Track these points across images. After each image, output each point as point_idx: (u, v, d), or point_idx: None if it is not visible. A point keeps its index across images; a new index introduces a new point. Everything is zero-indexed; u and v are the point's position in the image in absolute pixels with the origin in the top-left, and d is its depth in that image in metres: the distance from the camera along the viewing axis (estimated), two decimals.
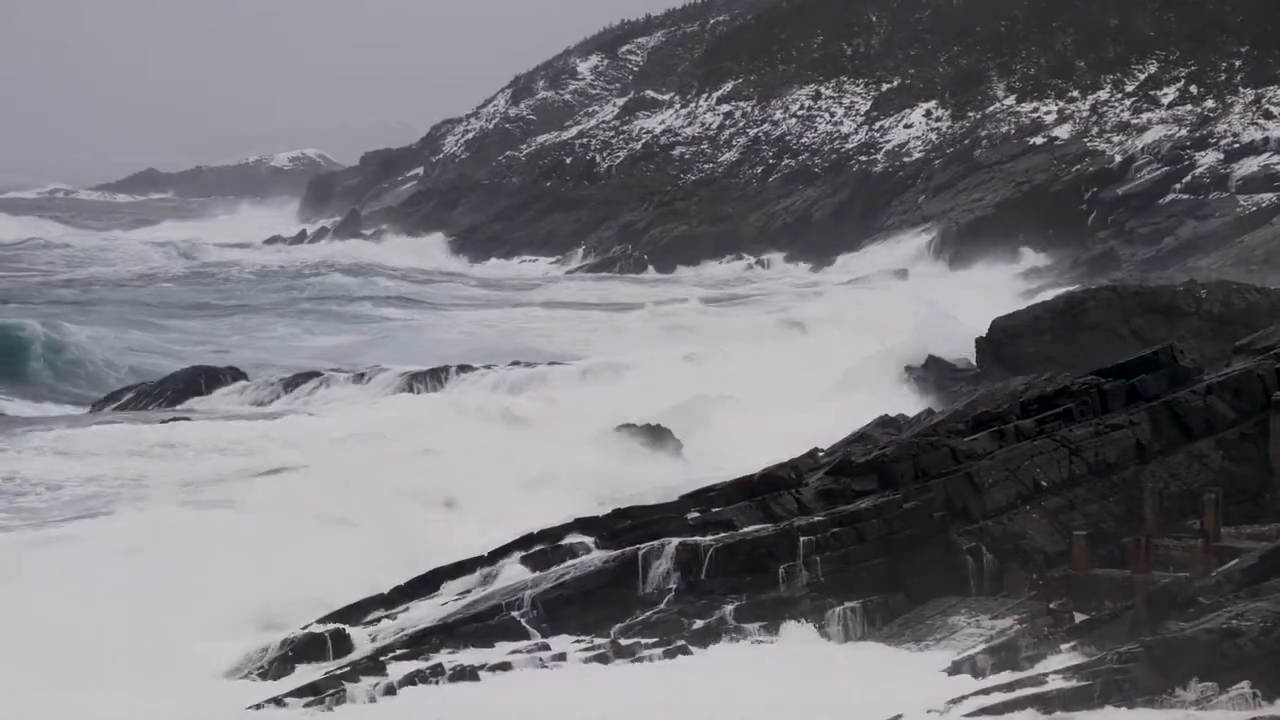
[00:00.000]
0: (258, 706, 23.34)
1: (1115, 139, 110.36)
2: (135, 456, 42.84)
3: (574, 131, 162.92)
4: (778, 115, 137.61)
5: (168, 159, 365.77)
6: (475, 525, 32.94)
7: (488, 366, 56.15)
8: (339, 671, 24.75)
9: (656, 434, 41.92)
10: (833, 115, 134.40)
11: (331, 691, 23.85)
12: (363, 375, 56.40)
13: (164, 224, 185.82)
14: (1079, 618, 26.04)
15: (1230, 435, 31.40)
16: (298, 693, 23.87)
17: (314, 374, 57.44)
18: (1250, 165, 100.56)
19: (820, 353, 52.43)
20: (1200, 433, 31.44)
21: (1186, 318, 49.98)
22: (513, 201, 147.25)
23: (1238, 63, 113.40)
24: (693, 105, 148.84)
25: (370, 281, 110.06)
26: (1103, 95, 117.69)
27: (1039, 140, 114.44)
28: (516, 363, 56.51)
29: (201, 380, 56.75)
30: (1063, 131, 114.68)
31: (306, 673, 25.09)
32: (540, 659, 25.28)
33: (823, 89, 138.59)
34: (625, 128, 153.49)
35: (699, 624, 26.67)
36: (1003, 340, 51.13)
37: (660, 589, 27.40)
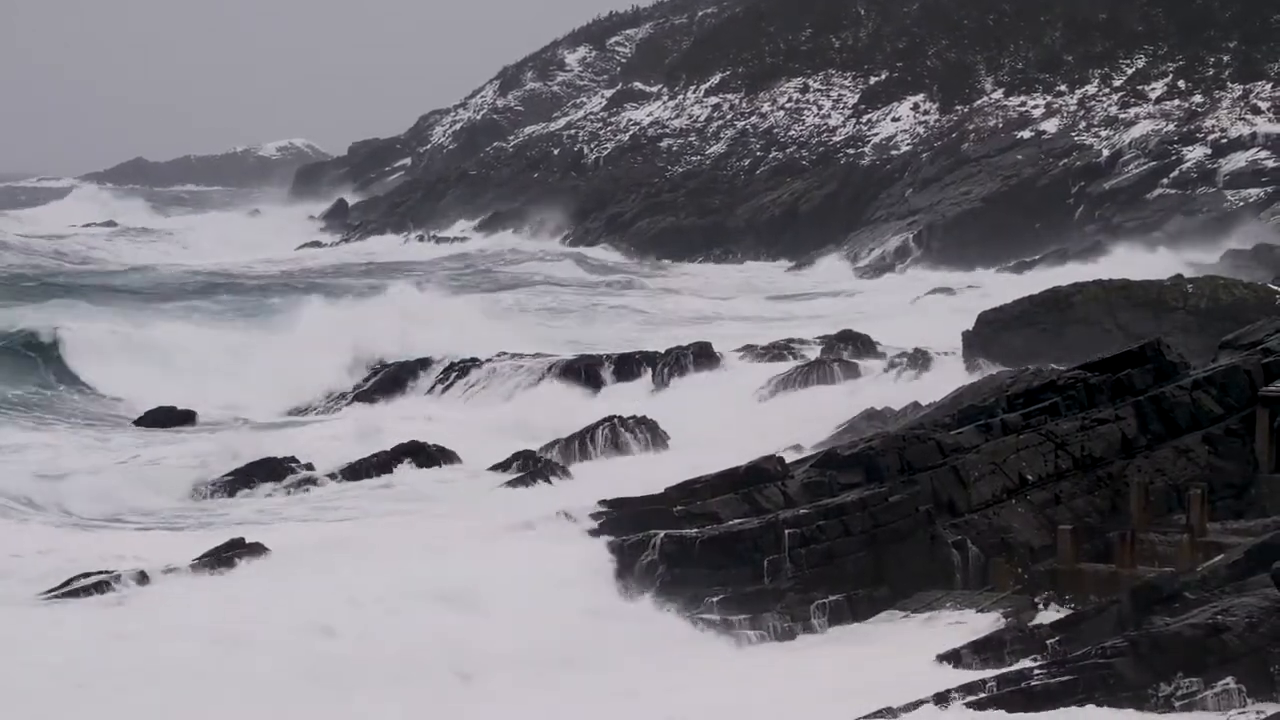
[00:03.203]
0: None
1: (1103, 133, 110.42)
2: None
3: (562, 123, 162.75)
4: (765, 108, 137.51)
5: (156, 151, 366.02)
6: None
7: (473, 360, 55.94)
8: None
9: None
10: (820, 108, 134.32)
11: None
12: None
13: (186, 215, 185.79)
14: (1064, 612, 26.05)
15: (1216, 430, 31.44)
16: None
17: None
18: (1238, 160, 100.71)
19: None
20: (1186, 427, 31.47)
21: (1173, 312, 50.18)
22: (500, 192, 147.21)
23: (1226, 58, 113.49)
24: (680, 97, 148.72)
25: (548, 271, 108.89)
26: (1090, 90, 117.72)
27: (1026, 134, 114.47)
28: (503, 354, 56.30)
29: None
30: (1050, 125, 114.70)
31: None
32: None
33: (810, 82, 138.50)
34: (613, 119, 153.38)
35: (684, 615, 26.62)
36: (989, 334, 51.28)
37: (646, 580, 27.35)
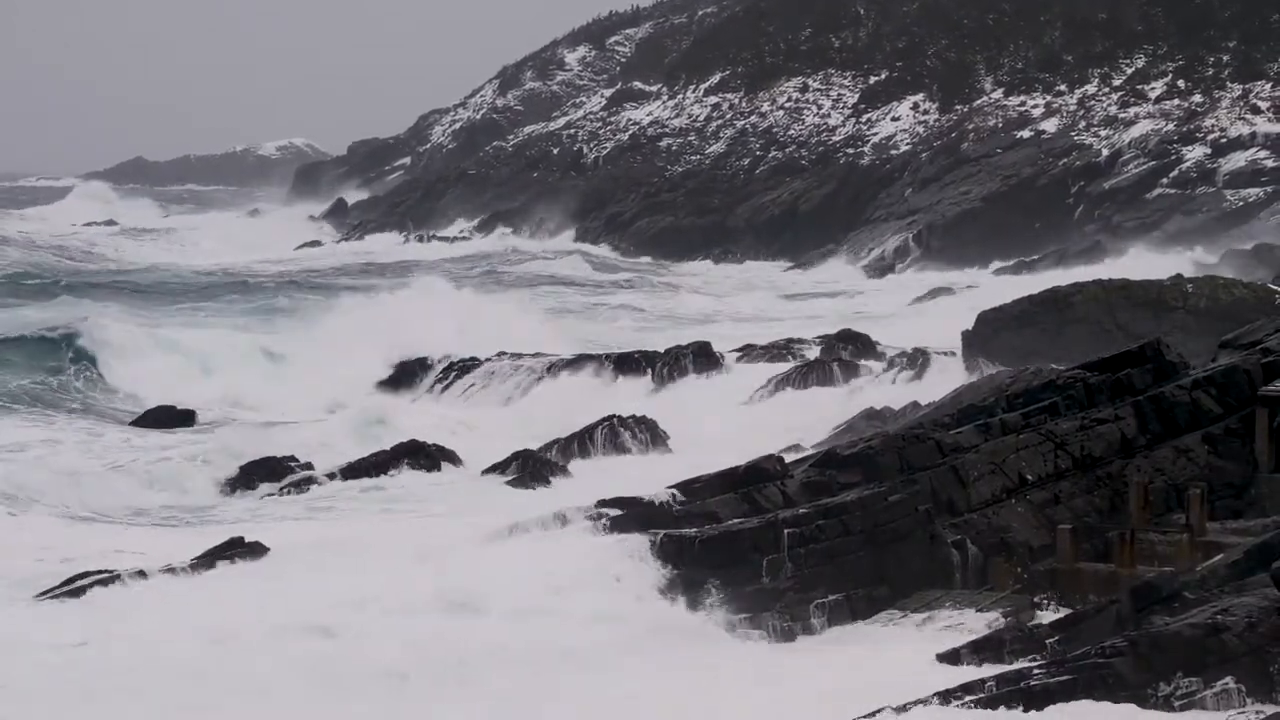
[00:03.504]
0: None
1: (1102, 133, 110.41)
2: None
3: (561, 122, 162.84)
4: (765, 107, 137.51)
5: (156, 150, 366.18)
6: None
7: (473, 360, 55.81)
8: None
9: None
10: (820, 108, 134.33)
11: None
12: None
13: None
14: (1063, 611, 26.03)
15: (1216, 430, 31.40)
16: None
17: None
18: (1237, 160, 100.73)
19: None
20: (1186, 427, 31.44)
21: (1173, 312, 50.18)
22: (500, 192, 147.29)
23: (1225, 58, 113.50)
24: (680, 97, 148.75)
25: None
26: (1090, 89, 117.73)
27: (1026, 134, 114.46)
28: (502, 354, 56.20)
29: None
30: (1050, 125, 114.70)
31: None
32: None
33: (810, 81, 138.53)
34: (612, 119, 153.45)
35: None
36: (989, 333, 51.28)
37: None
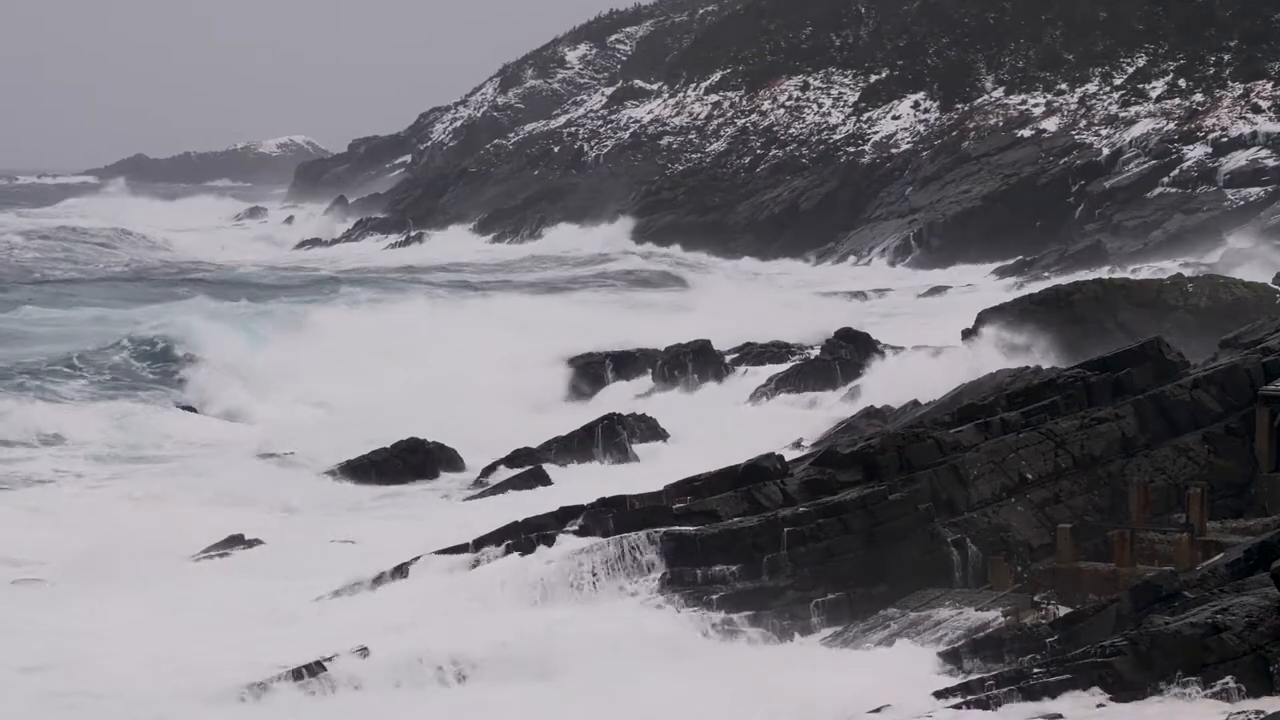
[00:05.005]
0: None
1: (1103, 132, 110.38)
2: None
3: (562, 120, 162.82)
4: (766, 106, 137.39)
5: (157, 148, 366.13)
6: None
7: None
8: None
9: None
10: (820, 106, 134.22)
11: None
12: None
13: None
14: (1063, 610, 26.02)
15: (1216, 429, 31.40)
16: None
17: None
18: (1238, 159, 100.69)
19: None
20: (1186, 426, 31.45)
21: (1174, 311, 50.16)
22: (500, 189, 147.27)
23: (1226, 57, 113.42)
24: (681, 95, 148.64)
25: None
26: (1091, 88, 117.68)
27: (1027, 133, 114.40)
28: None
29: None
30: (1051, 124, 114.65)
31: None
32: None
33: (811, 80, 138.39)
34: (613, 117, 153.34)
35: (683, 614, 26.58)
36: (989, 332, 51.26)
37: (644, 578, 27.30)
